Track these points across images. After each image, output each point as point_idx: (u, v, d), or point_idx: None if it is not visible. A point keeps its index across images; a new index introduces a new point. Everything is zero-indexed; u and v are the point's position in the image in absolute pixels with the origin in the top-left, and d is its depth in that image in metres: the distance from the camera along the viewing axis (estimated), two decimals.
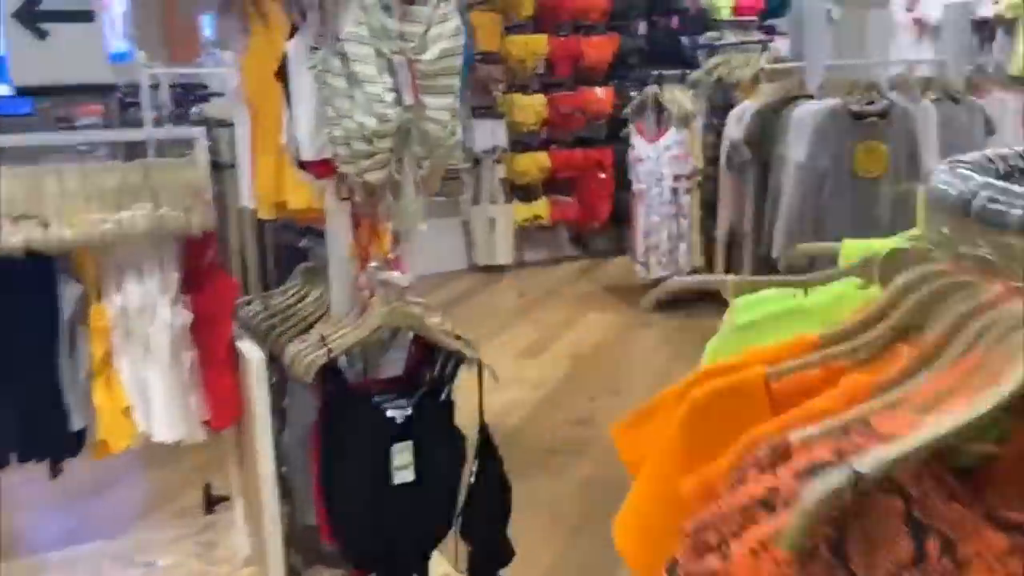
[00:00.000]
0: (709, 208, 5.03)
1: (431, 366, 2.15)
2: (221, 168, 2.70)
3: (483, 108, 6.33)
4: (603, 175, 6.62)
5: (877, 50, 3.97)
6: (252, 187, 2.32)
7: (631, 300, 5.43)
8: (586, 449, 3.25)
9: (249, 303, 2.41)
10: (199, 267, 2.09)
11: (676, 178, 4.90)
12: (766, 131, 3.74)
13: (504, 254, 6.40)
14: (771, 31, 7.14)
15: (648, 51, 6.76)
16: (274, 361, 2.31)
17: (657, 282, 5.16)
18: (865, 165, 3.53)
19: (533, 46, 6.28)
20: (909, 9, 5.18)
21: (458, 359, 2.07)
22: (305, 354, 1.99)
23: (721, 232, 4.12)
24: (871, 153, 3.52)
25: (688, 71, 5.29)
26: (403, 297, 2.07)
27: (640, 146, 4.97)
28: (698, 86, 5.01)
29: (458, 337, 2.08)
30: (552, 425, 3.48)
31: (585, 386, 3.94)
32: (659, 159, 4.91)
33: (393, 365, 2.24)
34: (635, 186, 5.00)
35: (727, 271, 4.18)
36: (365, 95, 1.76)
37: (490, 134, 6.27)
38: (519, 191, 6.52)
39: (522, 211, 6.47)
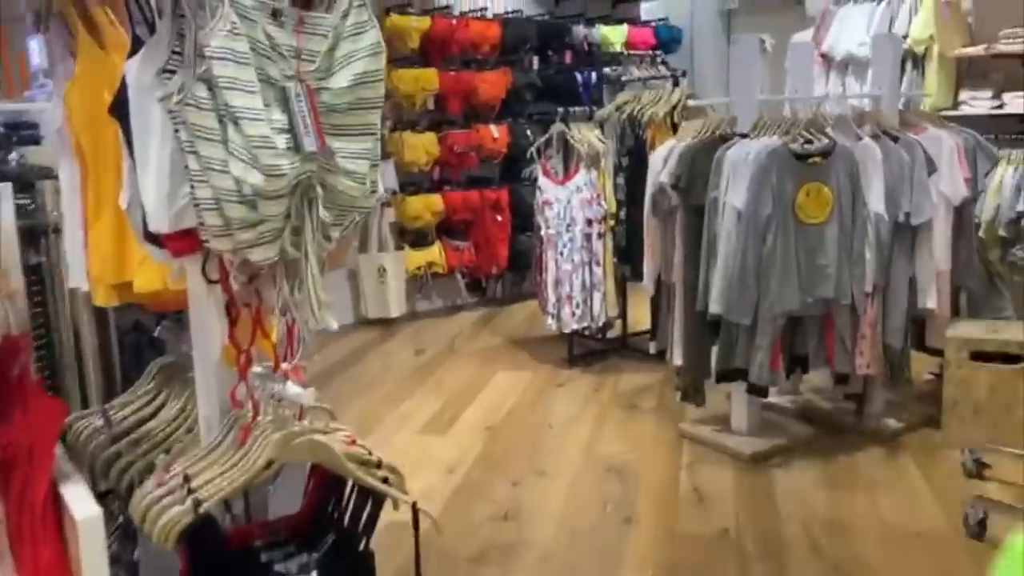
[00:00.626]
0: (622, 254, 4.66)
1: (338, 498, 1.60)
2: (46, 234, 2.05)
3: None
4: (500, 217, 6.18)
5: (798, 84, 3.69)
6: (85, 262, 1.71)
7: (540, 354, 4.97)
8: (518, 553, 2.72)
9: (85, 418, 1.79)
10: (2, 384, 1.46)
11: (589, 222, 4.50)
12: (696, 173, 3.37)
13: (396, 305, 5.83)
14: (665, 66, 6.94)
15: (542, 87, 6.40)
16: (119, 498, 1.70)
17: (571, 336, 4.72)
18: (808, 210, 3.20)
19: (423, 81, 5.79)
20: (815, 43, 5.00)
21: (378, 498, 1.52)
22: (163, 506, 1.40)
23: (648, 284, 3.72)
24: (815, 197, 3.20)
25: (593, 107, 4.93)
26: (302, 416, 1.51)
27: (548, 188, 4.55)
28: (606, 124, 4.64)
29: (379, 464, 1.54)
30: (474, 523, 2.94)
31: (505, 467, 3.42)
32: (570, 202, 4.50)
33: (285, 498, 1.67)
34: (544, 231, 4.56)
35: (654, 325, 3.78)
36: (246, 139, 1.21)
37: (377, 175, 5.70)
38: (411, 236, 5.98)
39: (415, 258, 5.93)
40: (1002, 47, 4.42)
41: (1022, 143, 4.31)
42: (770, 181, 3.15)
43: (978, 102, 4.58)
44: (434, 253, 5.99)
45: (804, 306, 3.22)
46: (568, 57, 6.61)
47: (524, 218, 6.01)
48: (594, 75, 6.49)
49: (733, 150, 3.27)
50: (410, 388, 4.44)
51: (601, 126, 4.65)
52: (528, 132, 6.19)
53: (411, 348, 5.26)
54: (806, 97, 3.47)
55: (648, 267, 3.73)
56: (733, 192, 3.22)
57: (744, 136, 3.33)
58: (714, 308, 3.28)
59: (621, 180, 4.59)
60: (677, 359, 3.59)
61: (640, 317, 5.24)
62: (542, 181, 4.58)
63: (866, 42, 4.86)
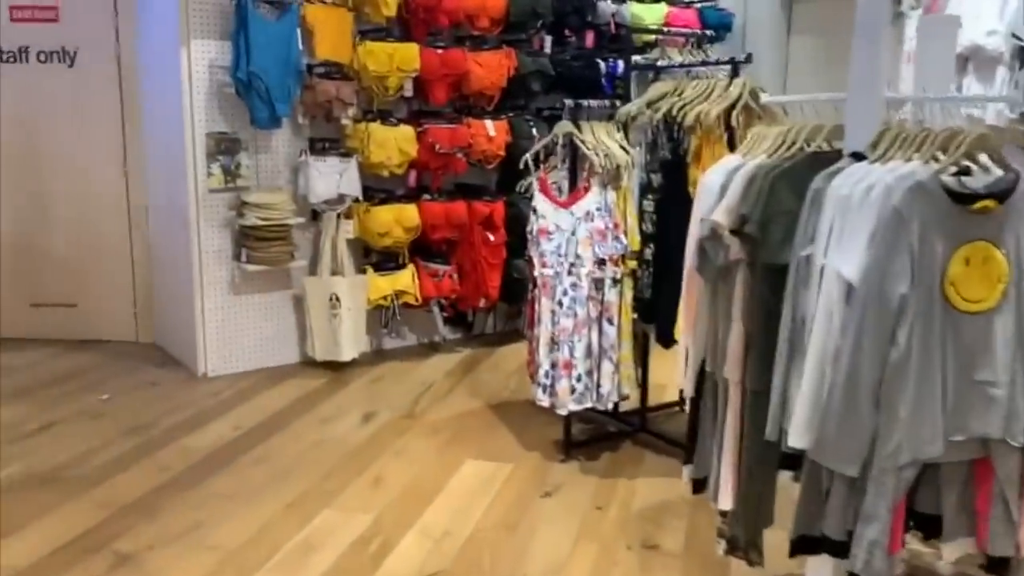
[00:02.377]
0: (644, 309, 3.37)
1: None
2: None
3: (324, 141, 4.51)
4: (493, 237, 4.90)
5: (930, 79, 2.39)
6: None
7: (528, 431, 3.70)
8: None
9: None
10: None
11: (600, 263, 3.22)
12: (775, 213, 2.09)
13: (351, 345, 4.57)
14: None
15: (555, 76, 5.11)
16: None
17: (569, 419, 3.42)
18: (967, 288, 1.90)
19: (400, 59, 4.51)
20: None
21: None
22: None
23: (686, 381, 2.43)
24: (979, 267, 1.90)
25: (616, 103, 3.64)
26: None
27: (547, 212, 3.26)
28: (632, 125, 3.35)
29: None
30: None
31: None
32: (575, 233, 3.21)
33: None
34: (539, 271, 3.28)
35: (691, 439, 2.48)
36: None
37: (335, 178, 4.45)
38: (376, 258, 4.72)
39: (380, 285, 4.66)
40: None
41: None
42: (909, 238, 1.84)
43: None
44: (405, 279, 4.72)
45: (948, 448, 1.92)
46: (590, 39, 5.32)
47: (522, 239, 4.73)
48: (621, 64, 5.19)
49: (841, 179, 1.97)
50: (336, 487, 3.16)
51: (624, 128, 3.36)
52: (534, 131, 4.94)
53: (359, 410, 3.99)
54: (976, 97, 2.16)
55: (686, 350, 2.43)
56: (840, 251, 1.91)
57: (860, 157, 2.03)
58: (795, 440, 1.98)
59: (650, 205, 3.31)
60: (724, 501, 2.29)
61: (664, 378, 3.96)
62: (539, 201, 3.30)
63: (997, 31, 3.55)
